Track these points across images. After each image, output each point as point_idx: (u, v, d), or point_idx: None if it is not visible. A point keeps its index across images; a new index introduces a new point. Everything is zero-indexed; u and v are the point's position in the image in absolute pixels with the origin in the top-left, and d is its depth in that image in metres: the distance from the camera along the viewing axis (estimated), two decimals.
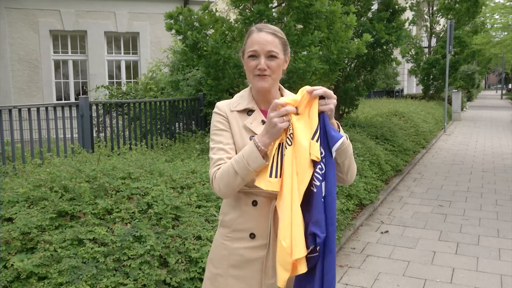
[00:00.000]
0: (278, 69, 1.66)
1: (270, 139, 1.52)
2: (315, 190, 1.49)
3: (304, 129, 1.50)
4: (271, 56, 1.63)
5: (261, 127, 1.65)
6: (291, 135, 1.49)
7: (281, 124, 1.49)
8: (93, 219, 2.95)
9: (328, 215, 1.48)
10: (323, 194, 1.49)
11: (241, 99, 1.74)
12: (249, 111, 1.71)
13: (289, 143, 1.49)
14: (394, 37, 8.87)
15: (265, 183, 1.50)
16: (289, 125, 1.50)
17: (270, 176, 1.50)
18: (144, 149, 5.26)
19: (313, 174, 1.49)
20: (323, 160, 1.49)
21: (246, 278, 1.66)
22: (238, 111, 1.71)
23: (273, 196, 1.61)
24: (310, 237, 1.48)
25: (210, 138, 1.73)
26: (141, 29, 10.88)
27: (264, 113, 1.71)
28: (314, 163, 1.49)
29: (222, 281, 1.71)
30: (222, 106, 1.74)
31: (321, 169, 1.49)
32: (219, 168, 1.62)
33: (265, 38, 1.62)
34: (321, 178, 1.49)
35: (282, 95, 1.76)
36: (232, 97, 1.80)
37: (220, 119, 1.72)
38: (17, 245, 2.66)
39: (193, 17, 5.87)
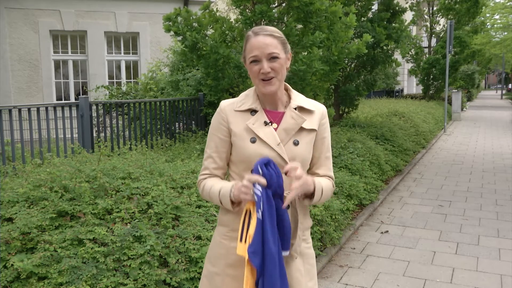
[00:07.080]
0: (282, 69, 1.66)
1: (237, 199, 1.57)
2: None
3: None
4: (272, 58, 1.62)
5: (263, 128, 1.66)
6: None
7: (244, 196, 1.52)
8: (93, 219, 2.95)
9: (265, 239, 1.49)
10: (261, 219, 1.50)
11: (246, 98, 1.74)
12: (252, 111, 1.70)
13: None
14: (392, 41, 8.88)
15: (237, 246, 1.52)
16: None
17: (240, 240, 1.53)
18: (144, 149, 5.26)
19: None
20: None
21: (243, 278, 1.65)
22: (241, 111, 1.70)
23: None
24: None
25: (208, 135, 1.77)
26: (141, 29, 10.88)
27: (269, 113, 1.71)
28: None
29: (219, 280, 1.70)
30: (225, 106, 1.73)
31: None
32: (204, 178, 1.73)
33: (263, 41, 1.62)
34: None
35: (289, 96, 1.76)
36: (234, 97, 1.80)
37: (218, 121, 1.73)
38: (17, 245, 2.65)
39: (191, 17, 5.87)
